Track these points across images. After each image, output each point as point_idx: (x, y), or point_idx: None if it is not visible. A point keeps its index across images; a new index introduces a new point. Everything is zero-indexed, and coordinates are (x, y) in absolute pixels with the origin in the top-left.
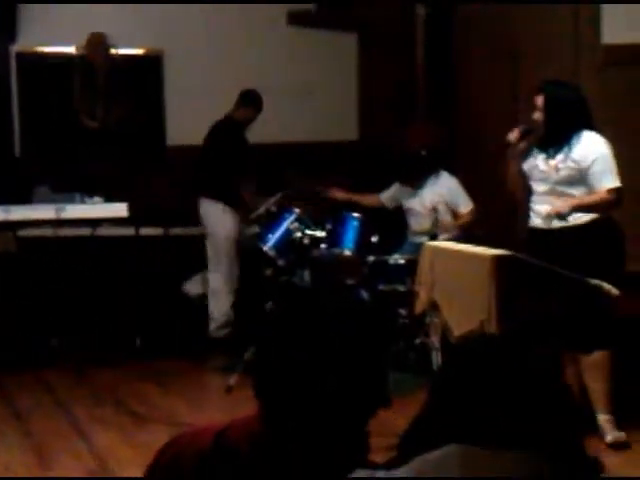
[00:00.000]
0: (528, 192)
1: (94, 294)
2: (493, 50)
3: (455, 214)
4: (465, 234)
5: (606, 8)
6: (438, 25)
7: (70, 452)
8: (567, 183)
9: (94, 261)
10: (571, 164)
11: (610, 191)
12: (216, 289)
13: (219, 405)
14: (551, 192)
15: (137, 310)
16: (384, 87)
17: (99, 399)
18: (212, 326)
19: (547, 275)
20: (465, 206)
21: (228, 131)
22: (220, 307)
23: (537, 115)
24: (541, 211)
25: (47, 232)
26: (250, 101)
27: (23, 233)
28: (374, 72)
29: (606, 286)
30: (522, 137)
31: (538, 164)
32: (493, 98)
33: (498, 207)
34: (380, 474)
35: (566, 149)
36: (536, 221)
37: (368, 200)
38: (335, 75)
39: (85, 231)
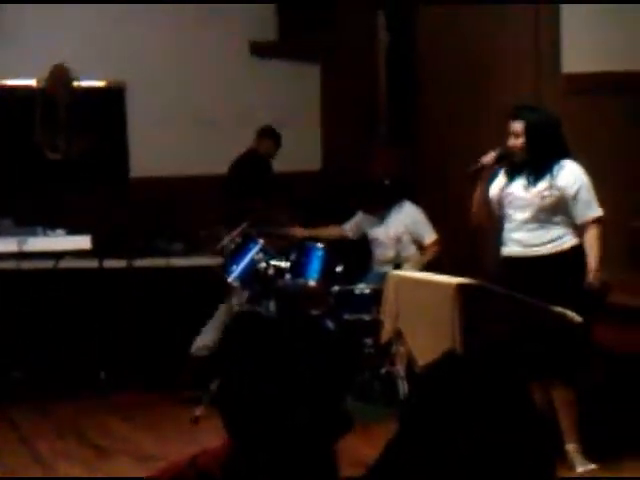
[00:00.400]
0: (496, 219)
1: (57, 327)
2: (456, 74)
3: (420, 244)
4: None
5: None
6: (400, 51)
7: None
8: (551, 211)
9: (57, 294)
10: (556, 192)
11: (596, 220)
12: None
13: (186, 436)
14: (533, 219)
15: (101, 343)
16: (347, 116)
17: (62, 433)
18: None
19: (511, 302)
20: (429, 237)
21: (254, 164)
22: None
23: (513, 141)
24: (521, 239)
25: (9, 265)
26: (272, 135)
27: None
28: (337, 101)
29: (569, 313)
30: (497, 161)
31: (514, 191)
32: (457, 123)
33: (462, 234)
34: None
35: (549, 176)
36: (513, 249)
37: (330, 232)
38: (299, 105)
39: (48, 264)
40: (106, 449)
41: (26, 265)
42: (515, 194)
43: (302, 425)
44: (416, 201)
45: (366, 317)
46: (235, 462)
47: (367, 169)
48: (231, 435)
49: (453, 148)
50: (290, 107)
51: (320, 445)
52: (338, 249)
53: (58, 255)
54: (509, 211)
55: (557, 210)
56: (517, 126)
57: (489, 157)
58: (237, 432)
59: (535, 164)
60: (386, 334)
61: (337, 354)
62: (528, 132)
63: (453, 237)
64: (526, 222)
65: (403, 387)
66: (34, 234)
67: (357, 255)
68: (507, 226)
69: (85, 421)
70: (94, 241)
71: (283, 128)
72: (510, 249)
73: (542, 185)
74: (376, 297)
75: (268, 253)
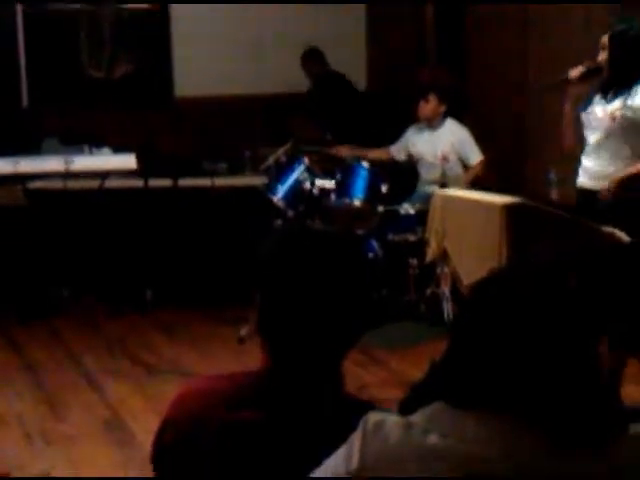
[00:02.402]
0: (581, 143)
1: (104, 246)
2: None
3: (465, 165)
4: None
5: None
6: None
7: (82, 403)
8: (621, 136)
9: (103, 213)
10: (628, 113)
11: None
12: None
13: (231, 356)
14: (602, 145)
15: (147, 262)
16: (394, 39)
17: (110, 350)
18: None
19: (558, 221)
20: (476, 157)
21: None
22: None
23: (602, 55)
24: (589, 168)
25: (56, 184)
26: (316, 56)
27: (32, 185)
28: (384, 24)
29: (618, 233)
30: (585, 76)
31: (595, 110)
32: (504, 49)
33: (509, 158)
34: (393, 418)
35: (626, 94)
36: (581, 179)
37: (377, 154)
38: (344, 26)
39: (93, 183)
40: (153, 367)
41: (72, 184)
42: (593, 113)
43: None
44: (463, 120)
45: (411, 237)
46: (270, 381)
47: (415, 82)
48: (269, 351)
49: (502, 66)
50: (335, 28)
51: (341, 350)
52: (383, 169)
53: (104, 174)
54: (586, 132)
55: (628, 137)
56: (605, 38)
57: (576, 71)
58: (275, 348)
59: (614, 79)
60: (431, 254)
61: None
62: (611, 43)
63: (501, 157)
64: (597, 148)
65: (448, 308)
66: (80, 153)
67: (402, 175)
68: (584, 151)
69: (132, 339)
70: (139, 160)
71: (327, 49)
72: (580, 179)
73: (616, 104)
74: (421, 217)
75: (313, 173)
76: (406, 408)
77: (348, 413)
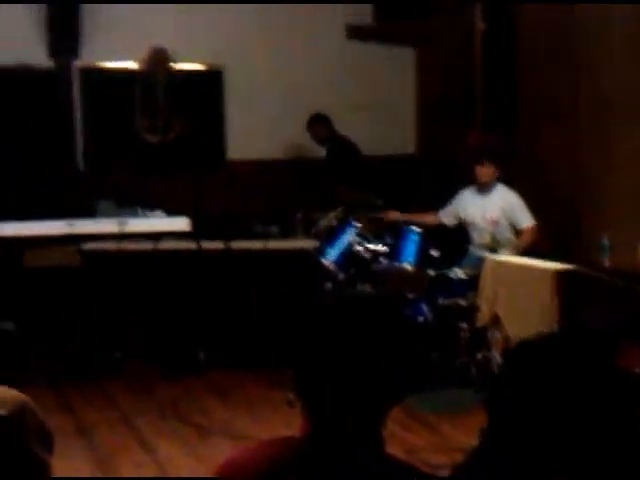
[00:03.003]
0: None
1: (157, 307)
2: (554, 62)
3: (516, 229)
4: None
5: None
6: (498, 38)
7: (134, 464)
8: None
9: (156, 275)
10: None
11: None
12: None
13: (281, 419)
14: None
15: (200, 324)
16: (442, 100)
17: (162, 412)
18: None
19: (610, 288)
20: (526, 222)
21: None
22: None
23: None
24: None
25: (110, 246)
26: (322, 119)
27: (87, 247)
28: (432, 85)
29: None
30: None
31: None
32: (553, 111)
33: (560, 219)
34: None
35: None
36: None
37: (426, 219)
38: (393, 89)
39: (147, 245)
40: (205, 429)
41: (126, 246)
42: None
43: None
44: (512, 186)
45: (462, 302)
46: (310, 447)
47: (462, 150)
48: (310, 418)
49: (550, 136)
50: (385, 91)
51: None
52: (434, 233)
53: (157, 236)
54: None
55: None
56: None
57: None
58: (314, 413)
59: None
60: (483, 318)
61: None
62: None
63: (552, 223)
64: None
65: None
66: (134, 215)
67: (453, 239)
68: None
69: (184, 401)
70: (192, 223)
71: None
72: None
73: None
74: (472, 282)
75: (364, 236)
76: (462, 473)
77: (390, 476)
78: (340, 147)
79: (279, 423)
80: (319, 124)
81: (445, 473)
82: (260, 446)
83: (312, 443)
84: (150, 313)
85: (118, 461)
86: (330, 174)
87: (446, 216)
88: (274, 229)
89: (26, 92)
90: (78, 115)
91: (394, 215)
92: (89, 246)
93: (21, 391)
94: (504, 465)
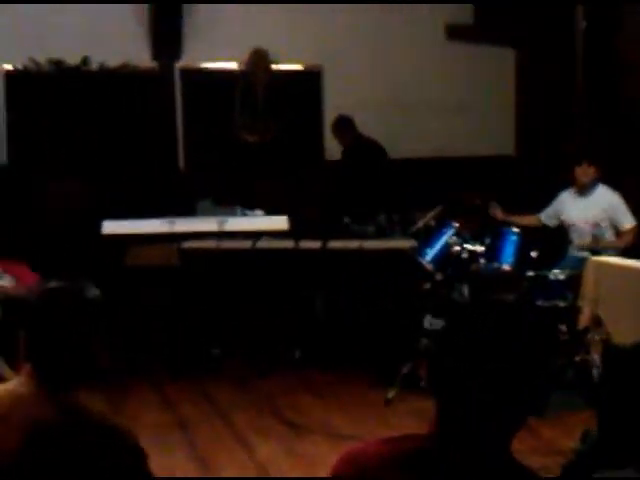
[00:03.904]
0: None
1: (255, 305)
2: None
3: (617, 230)
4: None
5: None
6: (599, 38)
7: (232, 461)
8: None
9: (255, 273)
10: None
11: None
12: None
13: (378, 418)
14: None
15: (297, 322)
16: (542, 100)
17: (260, 409)
18: None
19: None
20: (628, 222)
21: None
22: None
23: None
24: None
25: (210, 244)
26: (347, 124)
27: (186, 245)
28: (532, 87)
29: None
30: None
31: None
32: None
33: None
34: None
35: None
36: None
37: (527, 220)
38: (492, 90)
39: (246, 244)
40: (301, 427)
41: (225, 245)
42: None
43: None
44: (613, 186)
45: (561, 303)
46: (437, 446)
47: (563, 151)
48: (442, 420)
49: None
50: (485, 92)
51: (512, 426)
52: (533, 234)
53: (256, 235)
54: None
55: None
56: None
57: None
58: (447, 417)
59: None
60: (584, 320)
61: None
62: None
63: None
64: None
65: (598, 375)
66: (233, 214)
67: (552, 240)
68: None
69: (281, 398)
70: (290, 222)
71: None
72: None
73: None
74: (571, 283)
75: (462, 237)
76: (570, 475)
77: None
78: (366, 149)
79: (377, 423)
80: (343, 127)
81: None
82: (382, 441)
83: (438, 442)
84: (248, 311)
85: (216, 458)
86: (346, 177)
87: (547, 218)
88: (371, 229)
89: (129, 93)
90: (179, 115)
91: (499, 213)
92: (188, 245)
93: (122, 387)
94: (614, 466)
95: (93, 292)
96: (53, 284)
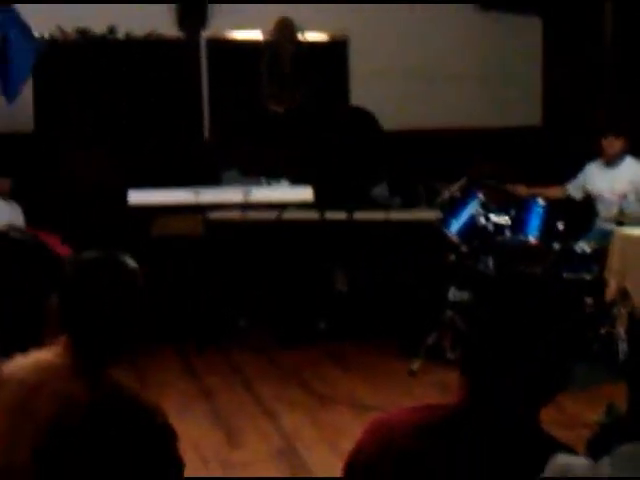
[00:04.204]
0: None
1: (280, 277)
2: None
3: None
4: None
5: None
6: (629, 7)
7: (257, 431)
8: None
9: (280, 244)
10: None
11: None
12: None
13: (402, 389)
14: None
15: (321, 293)
16: (570, 69)
17: (285, 380)
18: None
19: None
20: None
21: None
22: None
23: None
24: None
25: (235, 215)
26: None
27: (212, 216)
28: (560, 57)
29: None
30: None
31: None
32: None
33: None
34: (580, 461)
35: None
36: None
37: (553, 191)
38: (519, 60)
39: (271, 214)
40: (327, 398)
41: (250, 215)
42: None
43: (533, 377)
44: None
45: (587, 276)
46: (466, 416)
47: (592, 120)
48: (471, 392)
49: None
50: (511, 61)
51: (540, 401)
52: (559, 206)
53: (281, 206)
54: None
55: None
56: None
57: None
58: (477, 387)
59: None
60: (610, 293)
61: (562, 313)
62: None
63: None
64: None
65: (623, 348)
66: (258, 185)
67: (578, 212)
68: None
69: (306, 369)
70: (316, 193)
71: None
72: None
73: None
74: (598, 255)
75: (488, 208)
76: (595, 448)
77: (544, 453)
78: (356, 117)
79: (401, 393)
80: None
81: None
82: (408, 410)
83: (467, 412)
84: (273, 282)
85: (241, 427)
86: (338, 146)
87: (574, 189)
88: (396, 200)
89: (155, 62)
90: (205, 85)
91: (521, 189)
92: (214, 215)
93: (148, 357)
94: None
95: (132, 263)
96: (90, 254)
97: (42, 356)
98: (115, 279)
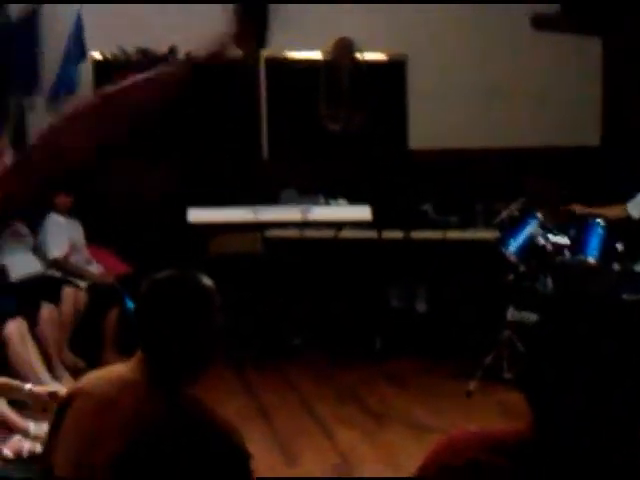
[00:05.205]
0: None
1: (336, 294)
2: None
3: None
4: None
5: None
6: None
7: (314, 448)
8: None
9: (336, 262)
10: None
11: None
12: None
13: (459, 409)
14: None
15: (377, 311)
16: (630, 90)
17: (341, 398)
18: None
19: None
20: None
21: None
22: None
23: None
24: None
25: (293, 233)
26: None
27: (270, 234)
28: (619, 75)
29: None
30: None
31: None
32: None
33: None
34: None
35: None
36: None
37: (612, 212)
38: (578, 79)
39: (328, 233)
40: (382, 417)
41: (308, 233)
42: None
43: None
44: None
45: None
46: (535, 446)
47: None
48: (536, 418)
49: None
50: (570, 80)
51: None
52: (619, 226)
53: (339, 225)
54: None
55: None
56: None
57: None
58: (542, 415)
59: None
60: None
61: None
62: None
63: None
64: None
65: None
66: (316, 203)
67: (639, 232)
68: None
69: (362, 388)
70: (374, 212)
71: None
72: None
73: None
74: None
75: (547, 228)
76: None
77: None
78: None
79: (458, 414)
80: None
81: None
82: (479, 432)
83: (537, 440)
84: (329, 300)
85: (299, 445)
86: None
87: (634, 209)
88: (454, 219)
89: (214, 81)
90: (263, 104)
91: (580, 208)
92: (272, 233)
93: (207, 375)
94: None
95: (208, 282)
96: (167, 273)
97: (117, 371)
98: (191, 297)
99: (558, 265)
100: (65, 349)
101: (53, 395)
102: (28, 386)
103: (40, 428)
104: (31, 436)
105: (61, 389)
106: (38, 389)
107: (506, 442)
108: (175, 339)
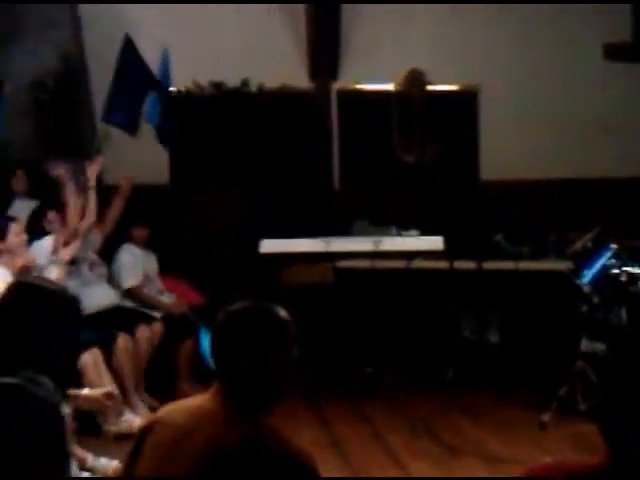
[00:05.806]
0: None
1: (408, 325)
2: None
3: None
4: None
5: None
6: None
7: None
8: None
9: (408, 293)
10: None
11: None
12: None
13: (533, 441)
14: None
15: (449, 342)
16: None
17: (414, 429)
18: None
19: None
20: None
21: None
22: None
23: None
24: None
25: (364, 264)
26: None
27: (341, 264)
28: None
29: None
30: None
31: None
32: None
33: None
34: None
35: None
36: None
37: None
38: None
39: (400, 263)
40: (455, 448)
41: (380, 264)
42: None
43: None
44: None
45: None
46: (612, 478)
47: None
48: (612, 449)
49: None
50: (632, 107)
51: None
52: None
53: (411, 255)
54: None
55: None
56: None
57: None
58: (617, 446)
59: None
60: None
61: None
62: None
63: None
64: None
65: None
66: (388, 234)
67: None
68: None
69: (435, 419)
70: (446, 242)
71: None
72: None
73: None
74: None
75: (621, 259)
76: None
77: None
78: None
79: (532, 446)
80: None
81: None
82: (556, 464)
83: (612, 470)
84: (401, 330)
85: (371, 475)
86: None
87: None
88: (526, 249)
89: (287, 113)
90: (335, 135)
91: None
92: (343, 264)
93: (281, 405)
94: None
95: (284, 313)
96: (243, 304)
97: (195, 402)
98: (267, 328)
99: (632, 296)
100: (141, 390)
101: (109, 395)
102: (85, 390)
103: (98, 461)
104: (87, 466)
105: (135, 418)
106: (94, 391)
107: (584, 474)
108: (252, 370)
